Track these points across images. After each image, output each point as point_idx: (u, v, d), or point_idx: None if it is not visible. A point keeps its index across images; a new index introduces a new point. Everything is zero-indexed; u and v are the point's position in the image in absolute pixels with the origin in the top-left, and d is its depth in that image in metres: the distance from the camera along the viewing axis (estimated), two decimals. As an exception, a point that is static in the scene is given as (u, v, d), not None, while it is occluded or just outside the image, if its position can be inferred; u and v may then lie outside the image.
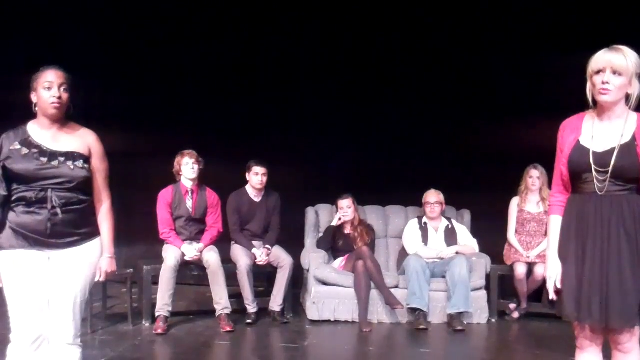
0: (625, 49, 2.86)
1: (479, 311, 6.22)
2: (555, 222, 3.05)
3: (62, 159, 3.13)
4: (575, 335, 3.06)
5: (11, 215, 3.11)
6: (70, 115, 3.23)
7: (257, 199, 6.34)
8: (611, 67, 2.83)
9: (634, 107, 2.92)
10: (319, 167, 7.33)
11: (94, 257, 3.25)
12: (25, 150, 3.11)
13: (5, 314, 3.15)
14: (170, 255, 5.82)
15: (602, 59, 2.85)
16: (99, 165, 3.28)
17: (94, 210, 3.28)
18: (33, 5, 6.87)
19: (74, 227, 3.16)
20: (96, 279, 3.29)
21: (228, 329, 5.70)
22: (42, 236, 3.10)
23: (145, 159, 7.26)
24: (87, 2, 7.01)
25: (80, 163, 3.16)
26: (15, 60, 6.62)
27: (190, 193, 6.07)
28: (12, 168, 3.09)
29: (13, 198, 3.11)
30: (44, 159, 3.11)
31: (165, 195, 6.05)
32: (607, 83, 2.83)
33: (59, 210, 3.08)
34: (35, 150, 3.12)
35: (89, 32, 7.13)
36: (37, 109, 3.18)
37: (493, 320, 6.28)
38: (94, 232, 3.26)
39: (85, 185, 3.20)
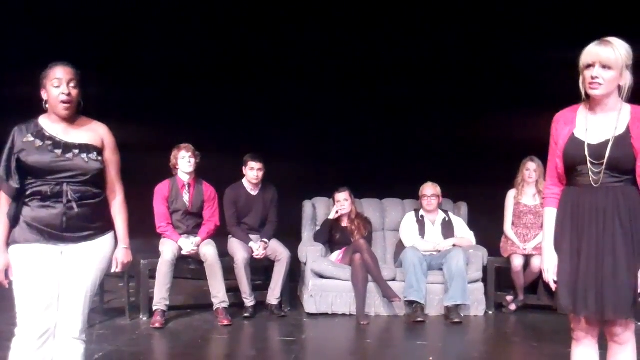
0: (615, 42, 2.85)
1: (476, 303, 6.23)
2: (550, 215, 3.06)
3: (76, 151, 3.13)
4: (571, 327, 3.07)
5: (25, 210, 3.11)
6: (80, 110, 3.22)
7: (253, 193, 6.34)
8: (600, 61, 2.83)
9: (628, 98, 2.92)
10: (316, 161, 7.32)
11: (107, 251, 3.26)
12: (39, 143, 3.11)
13: (6, 308, 3.15)
14: (167, 249, 5.82)
15: (590, 53, 2.86)
16: (111, 157, 3.29)
17: (107, 204, 3.29)
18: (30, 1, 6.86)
19: (89, 221, 3.17)
20: (112, 270, 3.31)
21: (226, 322, 5.71)
22: (58, 230, 3.10)
23: (142, 152, 7.21)
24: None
25: (94, 155, 3.17)
26: (13, 54, 6.61)
27: (187, 187, 6.07)
28: (27, 160, 3.08)
29: (27, 192, 3.11)
30: (59, 151, 3.11)
31: (161, 189, 6.05)
32: (597, 78, 2.83)
33: (74, 204, 3.09)
34: (49, 142, 3.12)
35: (86, 24, 7.10)
36: (47, 105, 3.18)
37: (490, 312, 6.30)
38: (107, 227, 3.27)
39: (99, 178, 3.21)
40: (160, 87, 7.34)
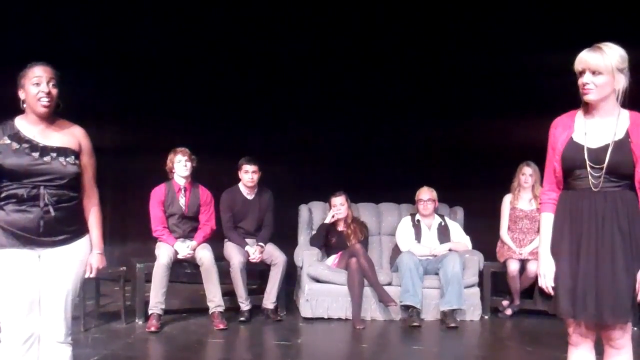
0: (605, 47, 2.87)
1: (472, 308, 6.23)
2: (547, 220, 3.06)
3: (54, 154, 3.10)
4: (567, 331, 3.07)
5: (0, 214, 3.07)
6: (59, 111, 3.19)
7: (250, 197, 6.34)
8: (588, 67, 2.86)
9: (624, 101, 2.93)
10: (312, 165, 7.32)
11: (84, 254, 3.23)
12: (15, 145, 3.08)
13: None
14: (163, 253, 5.81)
15: (580, 60, 2.89)
16: (88, 160, 3.26)
17: (82, 207, 3.26)
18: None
19: (65, 224, 3.14)
20: (86, 276, 3.28)
21: (221, 326, 5.70)
22: (34, 234, 3.07)
23: (139, 156, 7.24)
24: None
25: (71, 159, 3.14)
26: (9, 55, 6.58)
27: (183, 191, 6.06)
28: (3, 163, 3.05)
29: (2, 195, 3.07)
30: (36, 154, 3.07)
31: (158, 193, 6.04)
32: (587, 84, 2.86)
33: (51, 208, 3.06)
34: (26, 145, 3.08)
35: (84, 27, 7.09)
36: (25, 105, 3.14)
37: (486, 317, 6.30)
38: (83, 230, 3.25)
39: (75, 182, 3.18)
40: (158, 91, 7.34)
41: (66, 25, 6.97)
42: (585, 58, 2.87)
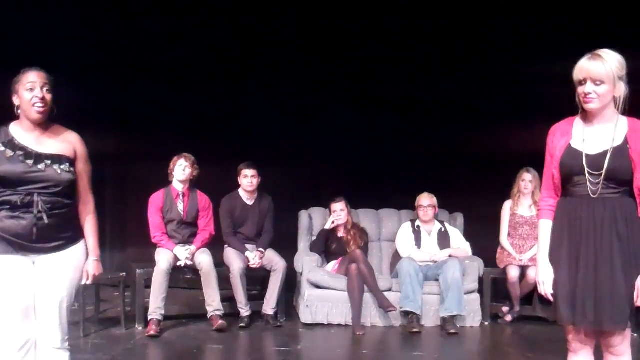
0: (605, 54, 2.86)
1: (472, 314, 6.22)
2: (545, 227, 3.06)
3: (48, 162, 3.09)
4: (567, 338, 3.06)
5: None
6: (53, 116, 3.18)
7: (250, 202, 6.34)
8: (590, 77, 2.84)
9: (623, 108, 2.92)
10: (312, 171, 7.32)
11: (79, 260, 3.23)
12: (10, 153, 3.07)
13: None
14: (163, 258, 5.81)
15: (581, 69, 2.87)
16: (83, 167, 3.25)
17: (77, 214, 3.25)
18: (25, 5, 6.84)
19: (59, 231, 3.13)
20: (83, 282, 3.28)
21: (220, 322, 5.72)
22: (28, 241, 3.06)
23: (139, 162, 7.25)
24: (80, 2, 6.98)
25: (66, 167, 3.13)
26: (7, 60, 6.59)
27: (181, 196, 6.07)
28: None
29: None
30: (30, 162, 3.07)
31: (156, 199, 6.05)
32: (590, 93, 2.85)
33: (44, 215, 3.05)
34: (21, 153, 3.08)
35: (85, 32, 7.10)
36: (19, 111, 3.14)
37: (486, 323, 6.29)
38: (78, 236, 3.24)
39: (70, 189, 3.18)
40: (157, 96, 7.34)
41: (67, 31, 6.98)
42: (586, 67, 2.85)
